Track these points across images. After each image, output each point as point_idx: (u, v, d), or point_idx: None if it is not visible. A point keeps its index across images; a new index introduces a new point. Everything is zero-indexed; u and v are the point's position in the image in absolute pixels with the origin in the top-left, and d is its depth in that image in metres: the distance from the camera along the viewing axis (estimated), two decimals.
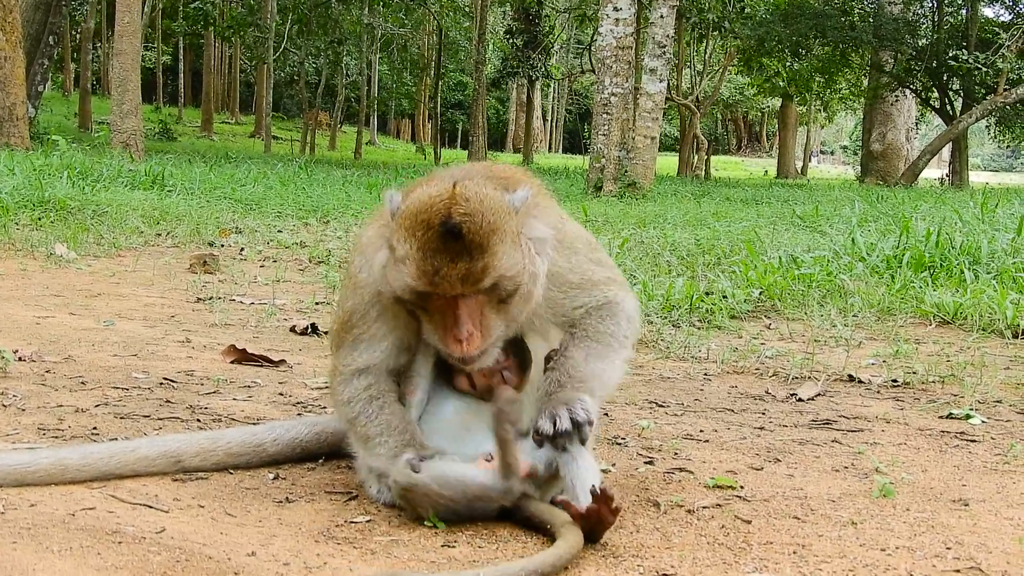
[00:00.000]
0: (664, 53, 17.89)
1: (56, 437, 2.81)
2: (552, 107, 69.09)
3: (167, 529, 2.13)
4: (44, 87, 25.83)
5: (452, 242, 2.11)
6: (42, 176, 10.44)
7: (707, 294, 5.66)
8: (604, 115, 17.80)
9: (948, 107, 30.45)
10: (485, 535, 2.16)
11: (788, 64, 33.82)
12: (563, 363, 2.34)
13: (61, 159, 12.40)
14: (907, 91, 30.05)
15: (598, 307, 2.41)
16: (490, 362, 2.27)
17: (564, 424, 2.18)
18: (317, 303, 5.70)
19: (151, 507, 2.27)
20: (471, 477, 2.17)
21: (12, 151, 14.71)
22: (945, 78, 29.47)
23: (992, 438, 3.14)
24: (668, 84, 21.40)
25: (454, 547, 2.09)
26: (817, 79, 34.52)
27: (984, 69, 26.43)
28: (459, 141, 64.46)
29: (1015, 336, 4.83)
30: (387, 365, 2.37)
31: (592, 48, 34.76)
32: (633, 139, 17.64)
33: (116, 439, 2.77)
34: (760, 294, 5.75)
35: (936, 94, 30.67)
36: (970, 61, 26.34)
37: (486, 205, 2.15)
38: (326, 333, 4.75)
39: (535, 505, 2.21)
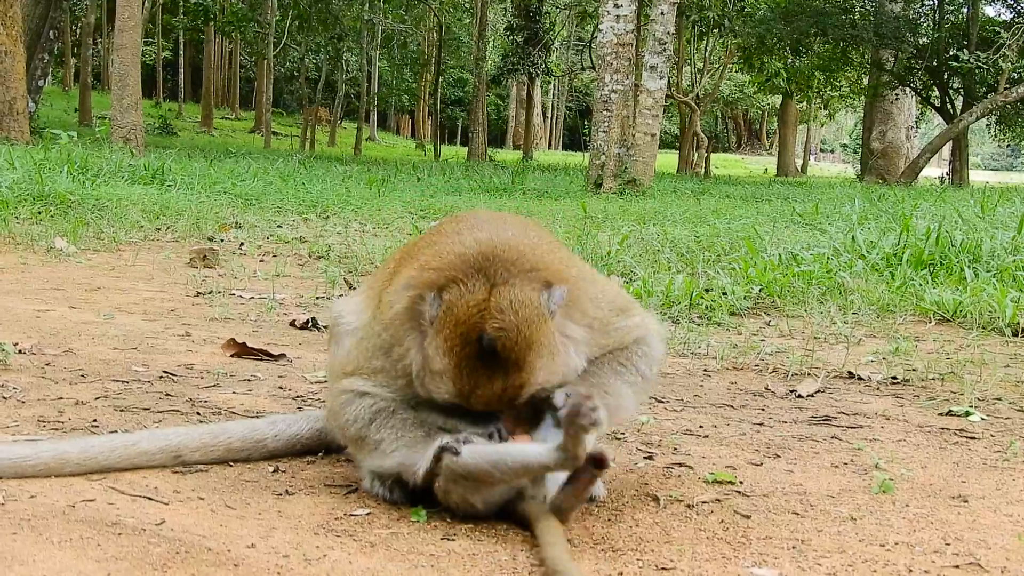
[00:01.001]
0: (664, 50, 17.89)
1: (56, 430, 2.81)
2: (552, 104, 69.12)
3: (167, 521, 2.13)
4: (44, 82, 25.86)
5: (488, 358, 2.08)
6: (42, 170, 10.41)
7: (707, 291, 5.66)
8: (604, 112, 17.80)
9: (948, 106, 30.46)
10: (484, 529, 2.16)
11: (788, 62, 33.85)
12: (593, 373, 2.33)
13: (61, 153, 12.38)
14: (907, 89, 30.07)
15: (635, 341, 2.41)
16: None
17: (595, 416, 2.04)
18: (317, 298, 5.70)
19: (151, 499, 2.27)
20: (530, 457, 2.11)
21: (12, 145, 14.70)
22: (946, 77, 29.49)
23: (992, 435, 3.14)
24: (668, 81, 21.38)
25: (453, 540, 2.09)
26: (817, 77, 34.58)
27: (985, 68, 26.43)
28: (459, 137, 64.48)
29: (1015, 334, 4.83)
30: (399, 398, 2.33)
31: (592, 45, 34.77)
32: (633, 136, 17.65)
33: (116, 432, 2.77)
34: (760, 291, 5.75)
35: (936, 93, 30.70)
36: (971, 60, 26.34)
37: (521, 316, 2.09)
38: (326, 327, 4.75)
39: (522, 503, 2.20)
